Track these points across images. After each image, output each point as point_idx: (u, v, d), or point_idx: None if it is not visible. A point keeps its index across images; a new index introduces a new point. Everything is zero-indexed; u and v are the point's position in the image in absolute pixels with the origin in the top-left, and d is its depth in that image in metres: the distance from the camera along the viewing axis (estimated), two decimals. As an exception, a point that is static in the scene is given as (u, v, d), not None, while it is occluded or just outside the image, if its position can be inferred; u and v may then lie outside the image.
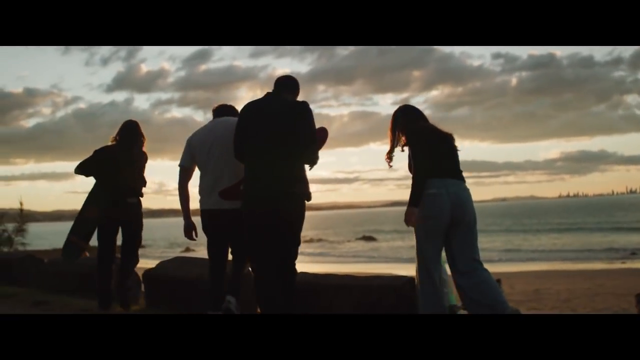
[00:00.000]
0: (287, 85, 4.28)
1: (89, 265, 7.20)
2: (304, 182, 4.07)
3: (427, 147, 4.06)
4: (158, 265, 5.83)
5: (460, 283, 4.02)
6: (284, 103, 4.10)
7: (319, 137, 4.29)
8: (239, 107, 4.52)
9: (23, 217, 13.48)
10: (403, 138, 4.23)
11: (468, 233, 4.07)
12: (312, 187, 4.82)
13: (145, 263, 6.83)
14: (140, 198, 5.73)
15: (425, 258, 4.01)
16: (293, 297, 4.15)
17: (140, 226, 5.69)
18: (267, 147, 3.99)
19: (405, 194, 4.08)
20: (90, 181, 5.75)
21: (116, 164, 5.49)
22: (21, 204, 13.39)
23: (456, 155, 4.19)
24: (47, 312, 5.57)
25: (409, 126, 4.19)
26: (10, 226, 13.17)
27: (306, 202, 4.13)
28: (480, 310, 3.91)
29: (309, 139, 4.00)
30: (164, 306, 5.46)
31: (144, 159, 5.73)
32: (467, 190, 4.12)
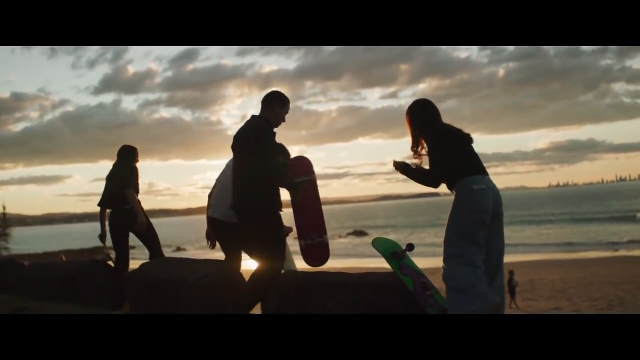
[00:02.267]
0: (262, 101, 4.56)
1: (71, 269, 6.99)
2: (257, 196, 4.34)
3: (458, 148, 4.01)
4: (140, 266, 5.58)
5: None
6: (246, 125, 4.51)
7: (300, 165, 4.93)
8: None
9: (6, 221, 13.20)
10: (422, 138, 4.16)
11: (502, 230, 4.02)
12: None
13: (132, 264, 6.63)
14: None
15: (469, 253, 3.85)
16: (253, 298, 4.44)
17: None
18: (233, 167, 4.55)
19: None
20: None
21: (112, 177, 6.30)
22: (4, 207, 13.12)
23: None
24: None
25: (433, 128, 4.09)
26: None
27: (265, 214, 4.36)
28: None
29: (256, 156, 4.31)
30: (146, 309, 5.21)
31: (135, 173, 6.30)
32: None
